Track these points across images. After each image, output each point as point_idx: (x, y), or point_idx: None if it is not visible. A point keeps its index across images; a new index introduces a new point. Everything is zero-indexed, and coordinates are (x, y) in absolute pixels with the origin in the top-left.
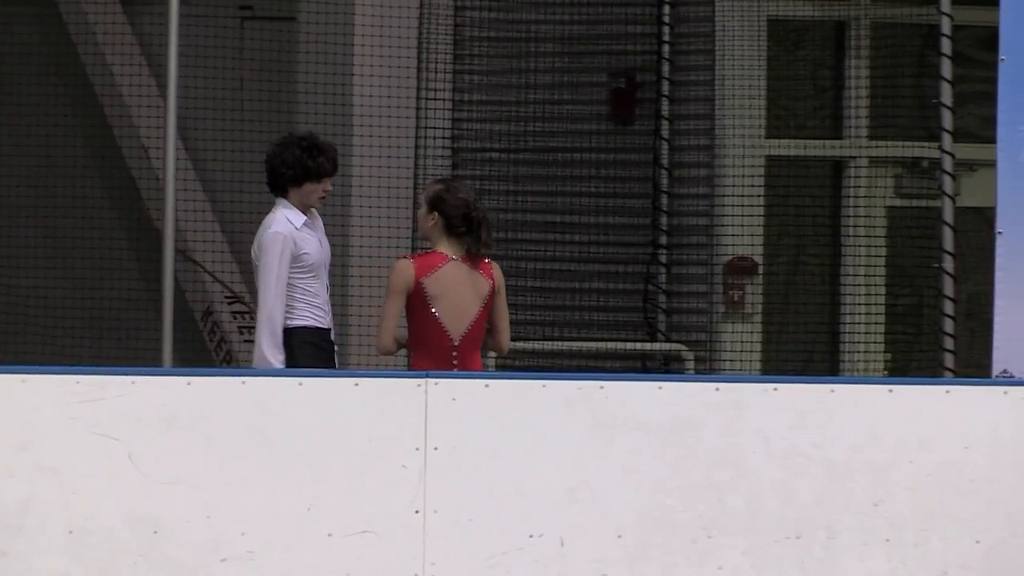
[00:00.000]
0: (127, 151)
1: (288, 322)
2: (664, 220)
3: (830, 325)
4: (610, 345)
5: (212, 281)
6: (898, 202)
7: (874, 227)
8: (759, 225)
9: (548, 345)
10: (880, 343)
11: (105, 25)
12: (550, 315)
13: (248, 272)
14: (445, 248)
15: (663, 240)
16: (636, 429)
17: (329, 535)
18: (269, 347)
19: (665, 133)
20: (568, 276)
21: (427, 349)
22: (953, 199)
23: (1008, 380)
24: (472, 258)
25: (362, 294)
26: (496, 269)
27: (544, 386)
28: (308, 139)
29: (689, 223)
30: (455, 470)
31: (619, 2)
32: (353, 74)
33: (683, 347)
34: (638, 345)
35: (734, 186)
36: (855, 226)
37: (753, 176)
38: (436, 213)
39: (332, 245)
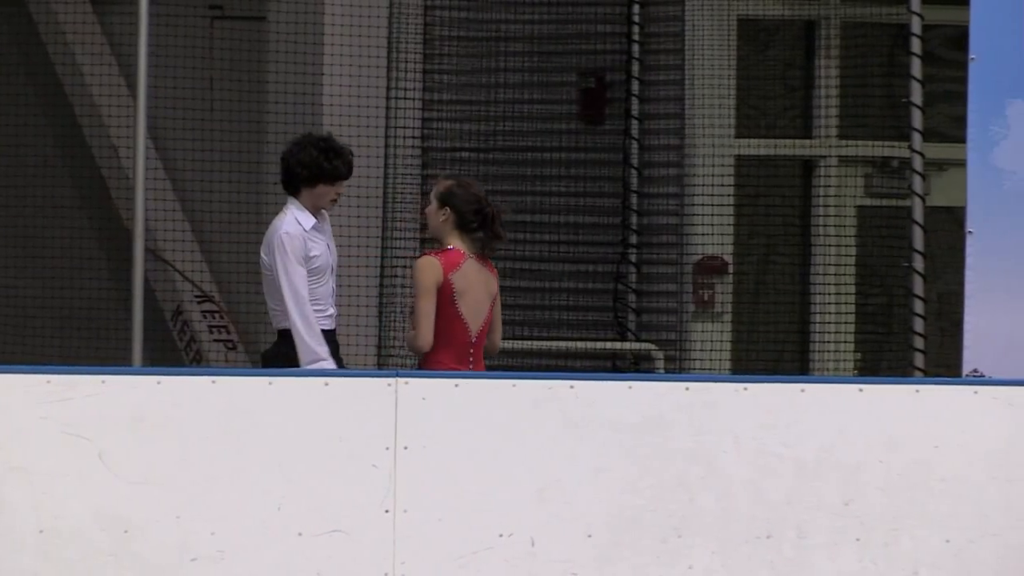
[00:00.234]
0: (97, 151)
1: (286, 323)
2: (634, 219)
3: (800, 324)
4: (580, 344)
5: (182, 280)
6: (868, 201)
7: (844, 226)
8: (729, 225)
9: (518, 344)
10: (850, 342)
11: (75, 25)
12: (520, 314)
13: (218, 272)
14: (457, 245)
15: (633, 239)
16: (606, 429)
17: (299, 535)
18: (309, 347)
19: (635, 132)
20: (538, 275)
21: (448, 346)
22: (923, 198)
23: (978, 379)
24: (481, 256)
25: None
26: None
27: (514, 386)
28: (326, 140)
29: (659, 222)
30: (425, 470)
31: (589, 1)
32: (323, 74)
33: (653, 346)
34: (608, 344)
35: (704, 185)
36: (825, 225)
37: (723, 175)
38: (447, 208)
39: None
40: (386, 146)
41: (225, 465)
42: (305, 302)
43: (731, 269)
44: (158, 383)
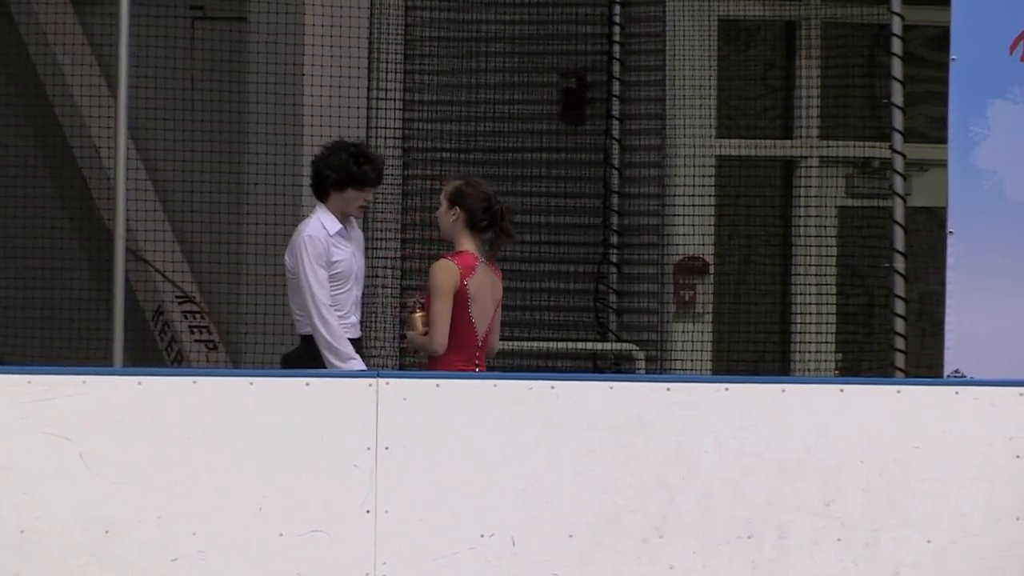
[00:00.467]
0: (78, 151)
1: (307, 328)
2: (615, 220)
3: (781, 325)
4: (561, 345)
5: (163, 281)
6: (849, 202)
7: (825, 227)
8: (710, 225)
9: (499, 344)
10: (831, 343)
11: (55, 25)
12: (501, 314)
13: (199, 272)
14: (468, 246)
15: (614, 240)
16: (587, 429)
17: (280, 535)
18: (335, 348)
19: (616, 133)
20: (519, 276)
21: (459, 349)
22: (904, 199)
23: (959, 380)
24: (489, 260)
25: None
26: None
27: (495, 386)
28: (357, 146)
29: (640, 223)
30: (406, 470)
31: (570, 2)
32: (303, 74)
33: (634, 347)
34: (589, 345)
35: (685, 186)
36: (806, 226)
37: (704, 176)
38: (457, 208)
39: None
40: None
41: (206, 465)
42: (325, 304)
43: (712, 269)
44: (139, 383)
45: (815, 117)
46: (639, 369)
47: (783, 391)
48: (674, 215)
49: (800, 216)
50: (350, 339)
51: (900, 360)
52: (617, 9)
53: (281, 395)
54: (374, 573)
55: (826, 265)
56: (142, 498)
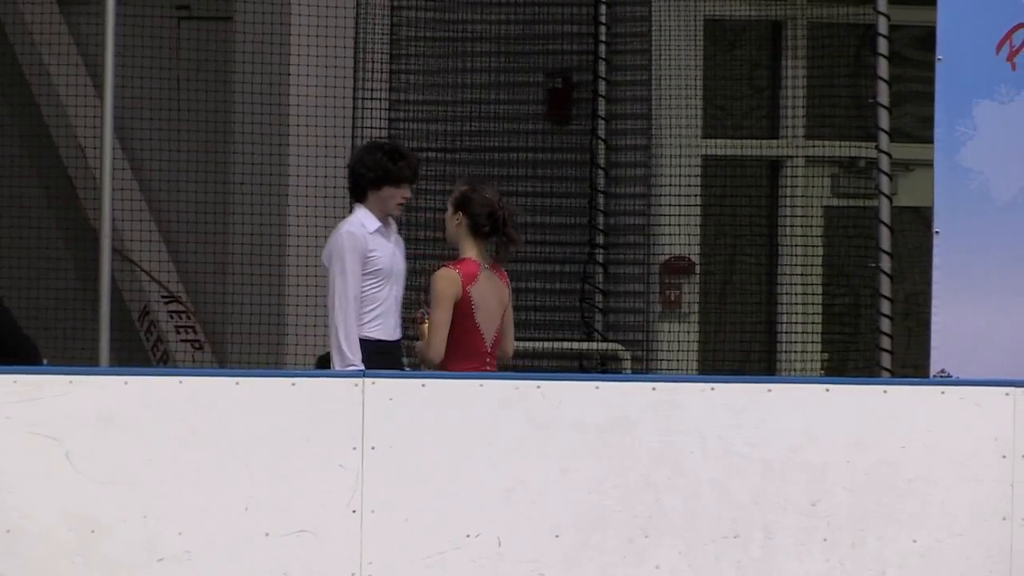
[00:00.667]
0: (64, 151)
1: None
2: (601, 220)
3: (767, 325)
4: (547, 344)
5: (149, 281)
6: (835, 202)
7: (811, 227)
8: (696, 225)
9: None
10: (817, 343)
11: (41, 25)
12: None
13: (185, 272)
14: (472, 253)
15: (600, 240)
16: (573, 429)
17: (266, 535)
18: (342, 351)
19: (602, 133)
20: None
21: (468, 357)
22: (890, 199)
23: (945, 380)
24: (494, 265)
25: (299, 294)
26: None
27: (481, 385)
28: (391, 144)
29: (626, 223)
30: (392, 470)
31: (555, 2)
32: (289, 74)
33: (620, 347)
34: (575, 345)
35: (671, 186)
36: (792, 226)
37: (690, 176)
38: (460, 213)
39: (267, 246)
40: (352, 146)
41: (192, 465)
42: (348, 302)
43: (698, 269)
44: (125, 383)
45: (801, 117)
46: (625, 369)
47: (769, 391)
48: (660, 215)
49: (786, 216)
50: (389, 340)
51: (886, 360)
52: (603, 9)
53: (267, 395)
54: (360, 573)
55: (812, 265)
56: (128, 498)
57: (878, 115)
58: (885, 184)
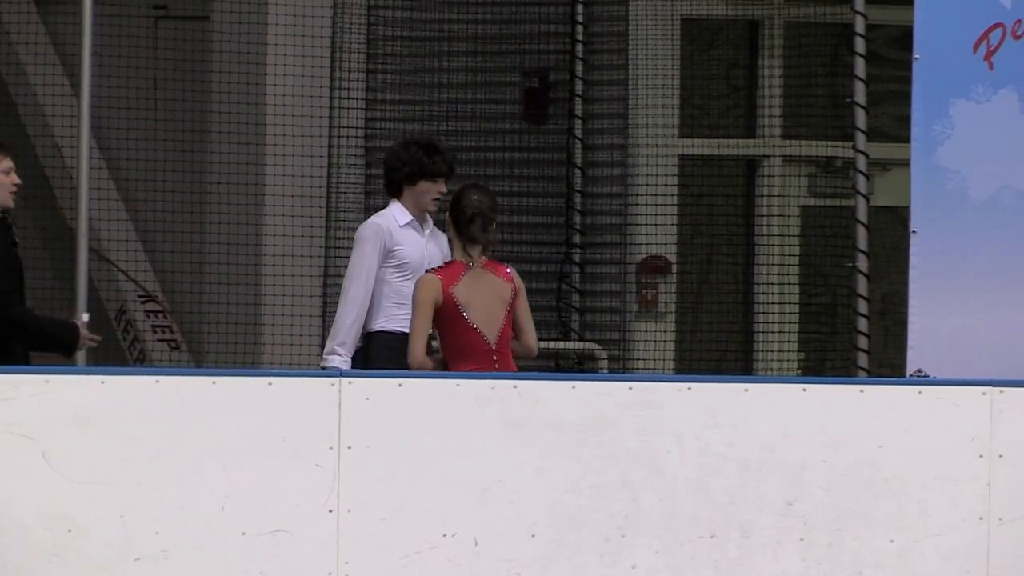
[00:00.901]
0: (40, 150)
1: (370, 325)
2: (578, 219)
3: (744, 324)
4: None
5: (125, 280)
6: (812, 201)
7: (788, 226)
8: (672, 224)
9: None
10: (794, 342)
11: (18, 24)
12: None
13: (161, 271)
14: (459, 254)
15: (577, 239)
16: (549, 428)
17: (243, 534)
18: (336, 336)
19: (578, 132)
20: None
21: (469, 358)
22: (867, 198)
23: (922, 380)
24: (490, 264)
25: (275, 293)
26: (515, 273)
27: (458, 385)
28: (426, 140)
29: (603, 222)
30: (369, 469)
31: (532, 1)
32: (266, 73)
33: (597, 346)
34: (552, 344)
35: (647, 185)
36: (768, 225)
37: (666, 175)
38: (448, 215)
39: (244, 245)
40: (329, 146)
41: (169, 465)
42: (359, 290)
43: (675, 269)
44: (102, 383)
45: (778, 116)
46: (602, 368)
47: (746, 391)
48: (637, 214)
49: (763, 215)
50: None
51: (863, 360)
52: (580, 8)
53: (244, 394)
54: (337, 572)
55: (789, 264)
56: (105, 497)
57: (855, 114)
58: (862, 184)
